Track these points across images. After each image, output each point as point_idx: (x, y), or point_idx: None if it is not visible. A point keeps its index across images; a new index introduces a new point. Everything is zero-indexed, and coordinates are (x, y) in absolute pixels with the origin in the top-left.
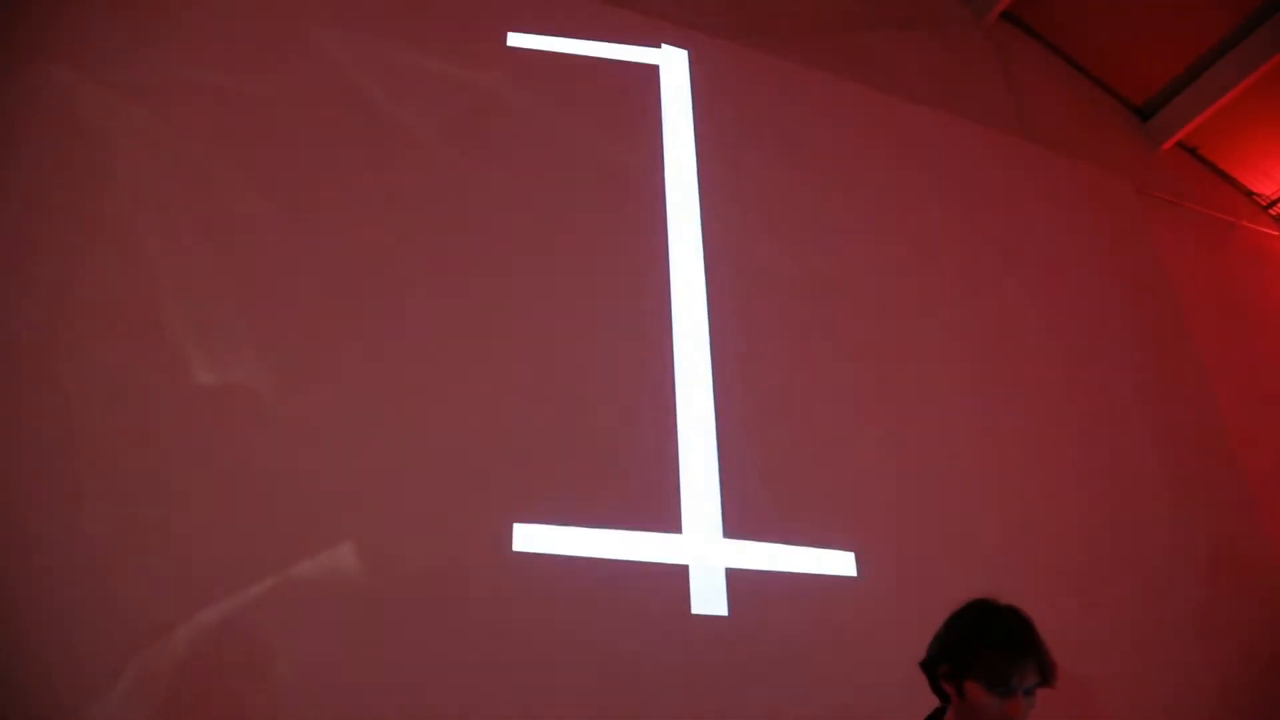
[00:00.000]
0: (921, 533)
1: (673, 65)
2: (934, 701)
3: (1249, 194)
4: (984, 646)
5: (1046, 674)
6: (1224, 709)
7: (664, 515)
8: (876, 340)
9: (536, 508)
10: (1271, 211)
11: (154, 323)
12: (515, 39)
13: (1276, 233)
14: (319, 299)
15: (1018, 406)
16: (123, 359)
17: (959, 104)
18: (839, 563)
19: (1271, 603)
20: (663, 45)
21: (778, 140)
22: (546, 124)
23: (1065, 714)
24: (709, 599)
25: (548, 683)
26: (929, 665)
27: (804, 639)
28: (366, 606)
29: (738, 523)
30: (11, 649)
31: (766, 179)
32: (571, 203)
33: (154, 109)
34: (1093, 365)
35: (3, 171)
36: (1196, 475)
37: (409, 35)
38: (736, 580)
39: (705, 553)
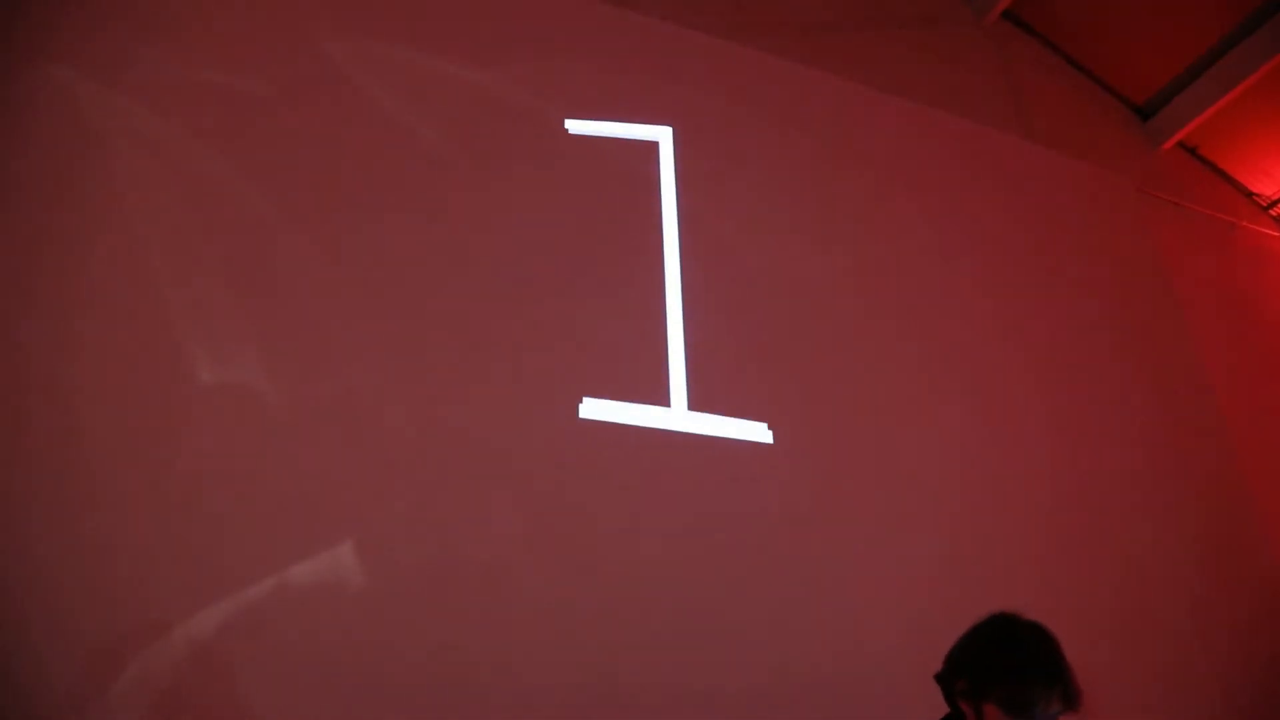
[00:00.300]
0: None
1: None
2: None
3: (1249, 194)
4: (1007, 670)
5: (1072, 702)
6: (1224, 709)
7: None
8: (870, 338)
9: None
10: (1272, 212)
11: (155, 322)
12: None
13: (1276, 233)
14: (321, 298)
15: (1016, 405)
16: (124, 359)
17: (959, 103)
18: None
19: (1271, 602)
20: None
21: (776, 138)
22: (546, 122)
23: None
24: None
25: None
26: (945, 678)
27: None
28: (367, 605)
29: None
30: (11, 649)
31: (765, 177)
32: (567, 200)
33: (155, 109)
34: (1092, 364)
35: (4, 172)
36: (1196, 474)
37: (409, 35)
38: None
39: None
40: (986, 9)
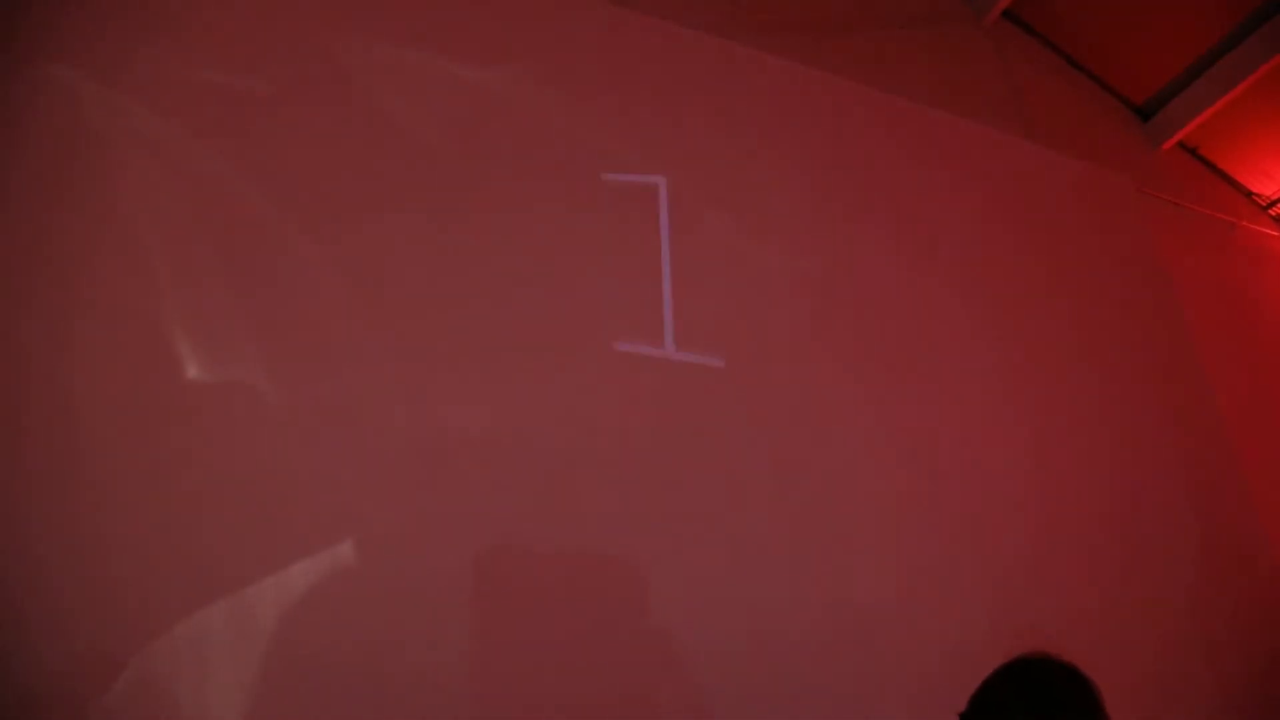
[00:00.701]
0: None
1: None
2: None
3: (1249, 194)
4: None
5: None
6: (1224, 709)
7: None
8: (874, 337)
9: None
10: (1271, 211)
11: (156, 321)
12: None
13: (1276, 233)
14: (322, 297)
15: (1012, 405)
16: (124, 357)
17: (959, 103)
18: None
19: (1270, 602)
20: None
21: (776, 138)
22: (547, 120)
23: None
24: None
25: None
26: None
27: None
28: (369, 604)
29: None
30: (11, 649)
31: (764, 177)
32: (569, 195)
33: (156, 109)
34: (1090, 364)
35: (4, 172)
36: (1195, 474)
37: (414, 35)
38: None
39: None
40: (986, 9)
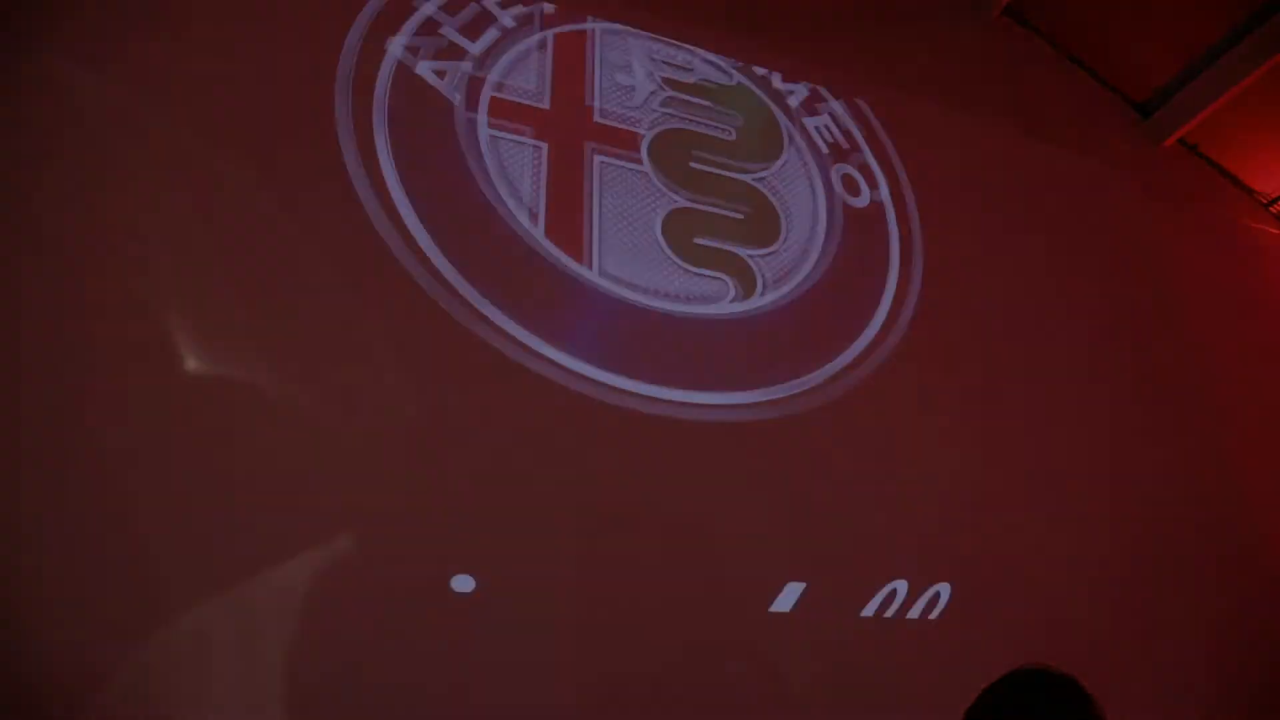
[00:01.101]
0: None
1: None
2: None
3: (1250, 192)
4: None
5: None
6: (1223, 709)
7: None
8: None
9: None
10: (1272, 209)
11: (154, 315)
12: None
13: (1277, 231)
14: (320, 291)
15: (1011, 403)
16: (122, 352)
17: (959, 99)
18: None
19: (1270, 603)
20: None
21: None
22: (554, 121)
23: None
24: None
25: None
26: None
27: None
28: (368, 602)
29: None
30: (9, 647)
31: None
32: (566, 188)
33: (153, 99)
34: (1090, 361)
35: (1, 163)
36: (1195, 473)
37: (412, 29)
38: None
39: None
40: (989, 5)
